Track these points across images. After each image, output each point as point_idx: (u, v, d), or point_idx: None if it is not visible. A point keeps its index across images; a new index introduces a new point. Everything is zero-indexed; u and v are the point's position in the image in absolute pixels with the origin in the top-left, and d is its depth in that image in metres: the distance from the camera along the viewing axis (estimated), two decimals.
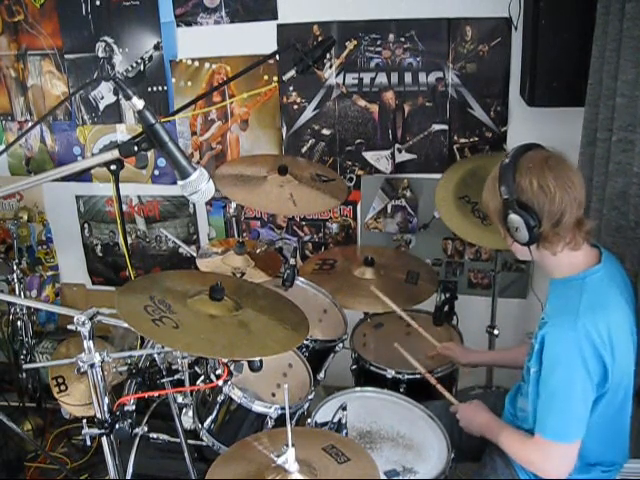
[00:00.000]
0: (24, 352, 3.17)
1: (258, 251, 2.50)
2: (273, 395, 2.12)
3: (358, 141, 3.00)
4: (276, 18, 2.88)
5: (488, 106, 2.80)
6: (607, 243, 2.07)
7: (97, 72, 3.15)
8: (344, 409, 1.74)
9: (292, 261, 2.28)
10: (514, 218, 1.60)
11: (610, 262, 1.71)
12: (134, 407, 1.67)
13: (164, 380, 1.85)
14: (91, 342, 1.57)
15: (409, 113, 2.90)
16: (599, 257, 1.69)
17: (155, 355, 1.82)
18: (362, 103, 2.94)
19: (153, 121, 1.41)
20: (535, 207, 1.58)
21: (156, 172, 3.29)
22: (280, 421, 1.93)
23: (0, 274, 3.31)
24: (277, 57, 2.87)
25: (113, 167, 1.49)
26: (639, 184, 2.01)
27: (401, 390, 2.20)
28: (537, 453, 1.65)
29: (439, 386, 2.08)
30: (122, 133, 3.27)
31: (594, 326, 1.55)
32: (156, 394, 1.87)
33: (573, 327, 1.55)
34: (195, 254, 2.55)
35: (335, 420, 1.75)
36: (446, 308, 2.45)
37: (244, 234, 3.27)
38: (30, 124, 3.34)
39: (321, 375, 2.30)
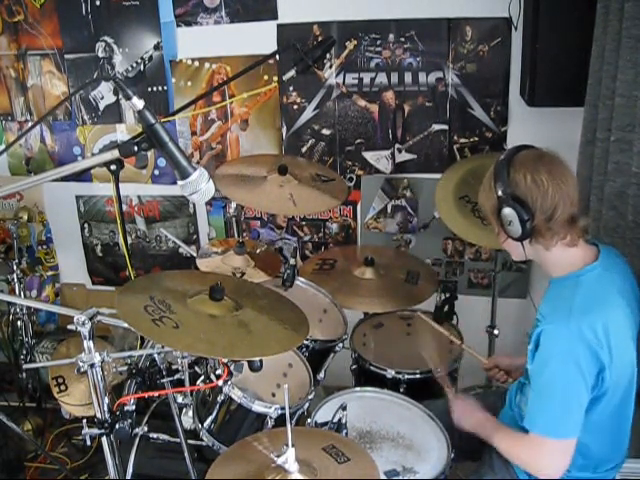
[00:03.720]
0: (24, 352, 3.17)
1: (258, 251, 2.51)
2: (273, 395, 2.12)
3: (358, 141, 2.99)
4: (276, 18, 2.88)
5: (488, 106, 2.80)
6: (606, 243, 2.05)
7: (97, 72, 3.15)
8: (344, 409, 1.74)
9: (292, 261, 2.28)
10: (507, 212, 1.62)
11: (609, 260, 1.70)
12: (134, 407, 1.68)
13: (164, 380, 1.85)
14: (91, 342, 1.57)
15: (409, 113, 2.90)
16: (597, 255, 1.69)
17: (155, 355, 1.82)
18: (362, 103, 2.93)
19: (153, 121, 1.41)
20: (528, 201, 1.59)
21: (156, 172, 3.29)
22: (280, 421, 1.93)
23: (0, 274, 3.31)
24: (277, 57, 2.87)
25: (113, 167, 1.49)
26: (638, 184, 2.01)
27: (401, 390, 2.20)
28: (529, 450, 1.65)
29: (446, 382, 2.06)
30: (122, 133, 3.27)
31: (589, 325, 1.55)
32: (156, 394, 1.87)
33: (566, 326, 1.56)
34: (195, 254, 2.55)
35: (335, 420, 1.75)
36: (446, 308, 2.46)
37: (244, 234, 3.27)
38: (30, 124, 3.34)
39: (321, 375, 2.29)
